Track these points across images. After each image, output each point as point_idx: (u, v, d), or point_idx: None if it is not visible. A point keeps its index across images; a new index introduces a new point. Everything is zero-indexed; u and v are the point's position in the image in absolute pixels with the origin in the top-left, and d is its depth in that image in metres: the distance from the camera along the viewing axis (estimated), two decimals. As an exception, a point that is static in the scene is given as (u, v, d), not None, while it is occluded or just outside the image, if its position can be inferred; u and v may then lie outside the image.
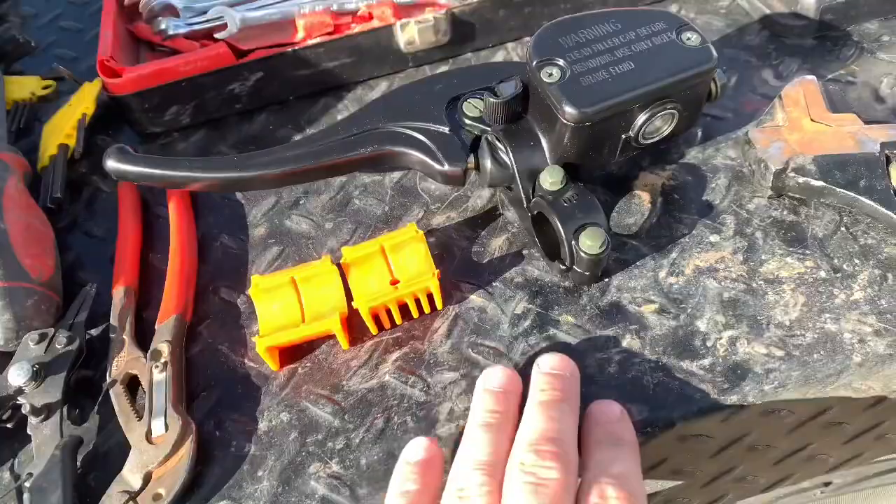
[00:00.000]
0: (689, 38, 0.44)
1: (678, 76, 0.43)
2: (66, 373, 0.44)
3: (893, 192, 0.43)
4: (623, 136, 0.44)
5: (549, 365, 0.39)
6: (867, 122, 0.46)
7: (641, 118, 0.43)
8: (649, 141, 0.45)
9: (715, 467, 0.46)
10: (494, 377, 0.39)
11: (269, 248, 0.50)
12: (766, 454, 0.47)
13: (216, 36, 0.57)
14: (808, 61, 0.54)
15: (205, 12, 0.58)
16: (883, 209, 0.42)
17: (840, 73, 0.53)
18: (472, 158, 0.46)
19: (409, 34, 0.57)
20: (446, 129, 0.47)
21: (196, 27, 0.58)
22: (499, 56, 0.60)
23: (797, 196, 0.46)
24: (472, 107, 0.47)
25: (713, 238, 0.46)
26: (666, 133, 0.45)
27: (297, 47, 0.56)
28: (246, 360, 0.45)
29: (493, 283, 0.46)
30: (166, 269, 0.48)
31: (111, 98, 0.56)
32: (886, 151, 0.44)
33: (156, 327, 0.45)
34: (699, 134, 0.51)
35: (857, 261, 0.43)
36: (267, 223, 0.52)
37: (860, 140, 0.45)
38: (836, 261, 0.43)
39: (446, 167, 0.46)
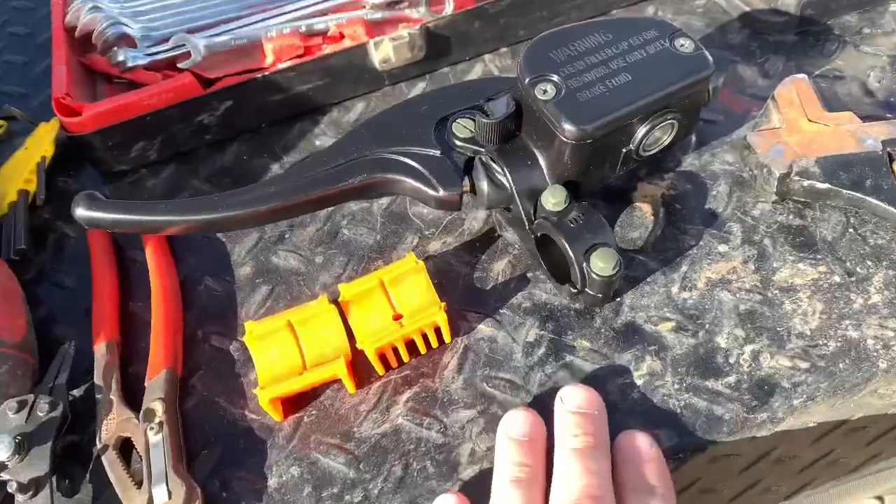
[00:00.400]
0: (682, 45, 0.43)
1: (676, 85, 0.41)
2: (51, 442, 0.40)
3: (899, 190, 0.42)
4: (623, 150, 0.43)
5: (575, 403, 0.37)
6: (862, 118, 0.46)
7: (642, 131, 0.42)
8: (650, 153, 0.44)
9: (743, 482, 0.45)
10: (517, 424, 0.37)
11: (257, 288, 0.47)
12: (792, 464, 0.46)
13: (179, 65, 0.53)
14: (793, 58, 0.53)
15: (165, 40, 0.55)
16: (892, 209, 0.42)
17: (826, 68, 0.52)
18: (466, 181, 0.44)
19: (384, 52, 0.55)
20: (437, 153, 0.44)
21: (157, 57, 0.54)
22: (477, 68, 0.58)
23: (801, 199, 0.45)
24: (461, 127, 0.45)
25: (722, 248, 0.45)
26: (666, 143, 0.44)
27: (266, 72, 0.53)
28: (246, 412, 0.42)
29: (501, 311, 0.44)
30: (149, 318, 0.45)
31: (70, 137, 0.52)
32: (889, 149, 0.43)
33: (146, 384, 0.42)
34: (693, 140, 0.50)
35: (869, 263, 0.43)
36: (252, 261, 0.49)
37: (860, 138, 0.44)
38: (848, 264, 0.43)
39: (441, 193, 0.43)
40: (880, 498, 0.83)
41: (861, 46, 0.53)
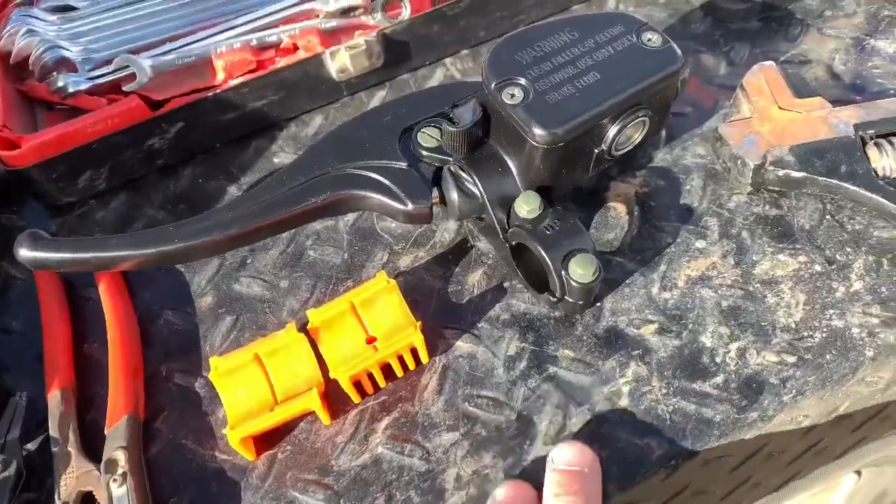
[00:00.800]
0: (650, 40, 0.41)
1: (646, 81, 0.40)
2: (6, 503, 0.37)
3: (874, 174, 0.41)
4: (596, 151, 0.41)
5: (563, 460, 0.35)
6: (831, 102, 0.45)
7: (613, 130, 0.40)
8: (622, 151, 0.42)
9: (734, 481, 0.44)
10: (501, 492, 0.35)
11: (220, 318, 0.45)
12: (781, 458, 0.45)
13: (125, 88, 0.51)
14: (758, 45, 0.53)
15: (108, 62, 0.52)
16: (867, 193, 0.41)
17: (792, 53, 0.52)
18: (435, 192, 0.42)
19: (341, 62, 0.53)
20: (404, 165, 0.43)
21: (100, 80, 0.52)
22: (438, 73, 0.56)
23: (777, 189, 0.44)
24: (427, 137, 0.43)
25: (699, 244, 0.44)
26: (638, 141, 0.43)
27: (218, 90, 0.51)
28: (216, 453, 0.40)
29: (479, 325, 0.42)
30: (106, 359, 0.43)
31: (10, 171, 0.49)
32: (861, 133, 0.42)
33: (105, 432, 0.40)
34: (663, 134, 0.49)
35: (848, 249, 0.42)
36: (214, 290, 0.46)
37: (832, 124, 0.43)
38: (828, 252, 0.42)
39: (410, 206, 0.42)
40: (858, 472, 0.83)
41: (824, 29, 0.53)
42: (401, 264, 0.46)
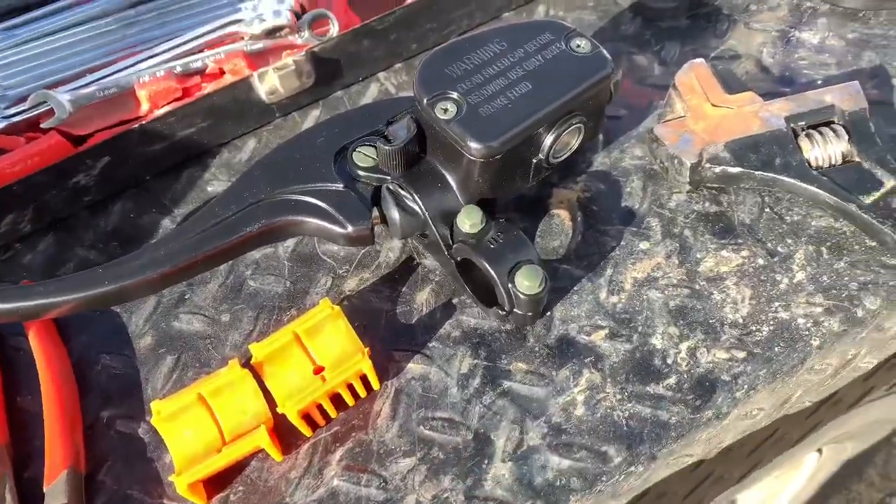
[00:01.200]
0: (579, 46, 0.41)
1: (578, 88, 0.40)
2: (-62, 577, 0.35)
3: (808, 165, 0.42)
4: (534, 160, 0.41)
5: None
6: (762, 96, 0.45)
7: (549, 139, 0.40)
8: (560, 159, 0.42)
9: (695, 478, 0.44)
10: None
11: (161, 359, 0.43)
12: (741, 451, 0.45)
13: (43, 125, 0.49)
14: (688, 42, 0.53)
15: (23, 99, 0.50)
16: (802, 184, 0.42)
17: (721, 49, 0.52)
18: (376, 212, 0.41)
19: (270, 83, 0.51)
20: (340, 186, 0.42)
21: (15, 119, 0.49)
22: (372, 89, 0.55)
23: (715, 185, 0.44)
24: (363, 156, 0.42)
25: (643, 245, 0.44)
26: (575, 147, 0.42)
27: (143, 121, 0.49)
28: (165, 501, 0.38)
29: (430, 344, 0.41)
30: (41, 412, 0.40)
31: (-74, 220, 0.47)
32: (792, 125, 0.43)
33: (44, 489, 0.37)
34: (601, 138, 0.48)
35: (789, 240, 0.42)
36: (153, 330, 0.44)
37: (764, 118, 0.44)
38: (769, 245, 0.42)
39: (350, 229, 0.41)
40: (819, 450, 0.85)
41: (751, 24, 0.53)
42: (346, 288, 0.44)
